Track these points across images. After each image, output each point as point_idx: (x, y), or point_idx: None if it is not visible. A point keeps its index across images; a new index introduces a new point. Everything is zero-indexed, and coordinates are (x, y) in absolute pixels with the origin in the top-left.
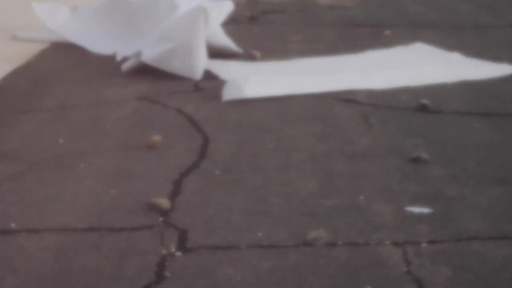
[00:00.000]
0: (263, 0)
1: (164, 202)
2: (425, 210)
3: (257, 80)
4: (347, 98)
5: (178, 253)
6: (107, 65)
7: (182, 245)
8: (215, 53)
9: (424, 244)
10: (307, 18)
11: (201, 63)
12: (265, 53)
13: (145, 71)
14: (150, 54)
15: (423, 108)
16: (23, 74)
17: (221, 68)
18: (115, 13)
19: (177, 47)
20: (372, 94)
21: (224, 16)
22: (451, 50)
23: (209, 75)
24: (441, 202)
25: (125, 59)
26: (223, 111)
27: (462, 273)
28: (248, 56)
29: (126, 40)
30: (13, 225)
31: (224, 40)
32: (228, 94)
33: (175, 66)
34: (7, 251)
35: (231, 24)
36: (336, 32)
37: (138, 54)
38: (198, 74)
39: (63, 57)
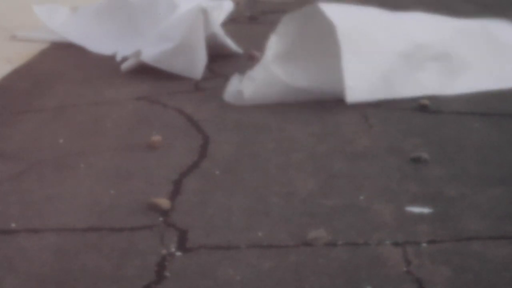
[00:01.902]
0: (263, 0)
1: (164, 202)
2: (425, 210)
3: (258, 86)
4: None
5: (178, 253)
6: (107, 65)
7: (182, 245)
8: (215, 53)
9: (424, 244)
10: None
11: (201, 63)
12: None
13: (145, 71)
14: (149, 54)
15: (423, 108)
16: (23, 74)
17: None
18: (115, 13)
19: (177, 47)
20: None
21: (224, 15)
22: None
23: (209, 75)
24: (441, 202)
25: (125, 59)
26: (223, 111)
27: (462, 273)
28: (248, 56)
29: (126, 40)
30: (13, 225)
31: (224, 40)
32: (229, 96)
33: (175, 65)
34: (7, 251)
35: (231, 24)
36: None
37: (137, 54)
38: (198, 73)
39: (63, 57)
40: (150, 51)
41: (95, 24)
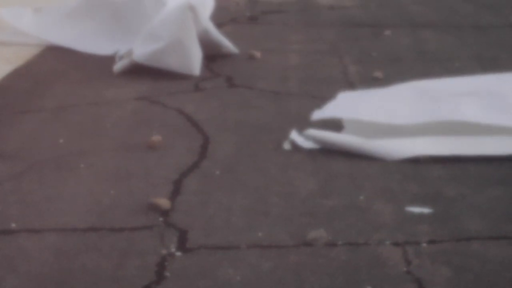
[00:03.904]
0: (263, 0)
1: (164, 202)
2: (425, 210)
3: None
4: None
5: (178, 253)
6: (107, 65)
7: (182, 245)
8: (214, 53)
9: (424, 244)
10: (307, 18)
11: (196, 59)
12: (265, 53)
13: (145, 71)
14: (141, 54)
15: None
16: (23, 74)
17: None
18: (94, 11)
19: (168, 45)
20: None
21: (209, 12)
22: (452, 50)
23: (209, 75)
24: (441, 202)
25: (119, 59)
26: (223, 111)
27: (462, 273)
28: (248, 56)
29: (118, 39)
30: (13, 225)
31: (218, 36)
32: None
33: (170, 64)
34: (7, 251)
35: (231, 24)
36: (336, 32)
37: (129, 53)
38: (195, 70)
39: (63, 57)
40: (141, 50)
41: (69, 23)
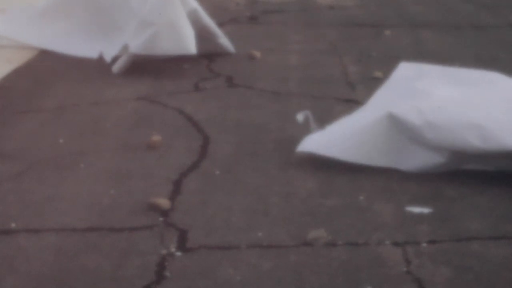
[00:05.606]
0: (263, 0)
1: (164, 202)
2: (425, 210)
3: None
4: (347, 98)
5: (178, 253)
6: (107, 65)
7: (182, 245)
8: (214, 52)
9: (424, 244)
10: (307, 18)
11: (190, 38)
12: (265, 53)
13: (145, 71)
14: (136, 44)
15: None
16: (23, 74)
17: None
18: (69, 11)
19: (161, 29)
20: (372, 93)
21: None
22: (451, 50)
23: (209, 75)
24: (441, 202)
25: (108, 59)
26: (223, 111)
27: (462, 273)
28: (248, 56)
29: (94, 38)
30: (13, 225)
31: (208, 20)
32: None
33: (165, 48)
34: (7, 251)
35: (231, 24)
36: (336, 32)
37: (125, 49)
38: (191, 48)
39: (63, 57)
40: (136, 41)
41: (52, 23)
